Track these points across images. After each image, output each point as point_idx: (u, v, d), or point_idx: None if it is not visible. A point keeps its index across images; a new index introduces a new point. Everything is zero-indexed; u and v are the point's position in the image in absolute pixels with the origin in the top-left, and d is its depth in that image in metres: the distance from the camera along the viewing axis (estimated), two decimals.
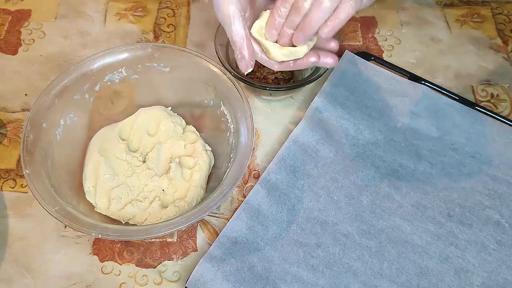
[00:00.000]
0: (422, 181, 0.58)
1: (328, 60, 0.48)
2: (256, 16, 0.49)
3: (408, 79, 0.66)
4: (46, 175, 0.51)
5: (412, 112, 0.63)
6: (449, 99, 0.64)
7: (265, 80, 0.64)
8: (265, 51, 0.49)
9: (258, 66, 0.64)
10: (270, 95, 0.63)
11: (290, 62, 0.48)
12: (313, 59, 0.48)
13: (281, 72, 0.62)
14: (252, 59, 0.47)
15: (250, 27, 0.48)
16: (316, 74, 0.60)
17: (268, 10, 0.48)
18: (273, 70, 0.63)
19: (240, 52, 0.46)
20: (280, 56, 0.48)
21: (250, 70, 0.47)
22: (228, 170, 0.52)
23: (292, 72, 0.62)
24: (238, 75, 0.58)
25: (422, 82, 0.66)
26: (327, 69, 0.60)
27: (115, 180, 0.55)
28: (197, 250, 0.54)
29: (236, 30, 0.45)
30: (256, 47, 0.48)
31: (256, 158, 0.60)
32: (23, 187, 0.58)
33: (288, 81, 0.65)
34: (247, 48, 0.45)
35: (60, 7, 0.74)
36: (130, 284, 0.52)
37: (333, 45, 0.48)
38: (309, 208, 0.56)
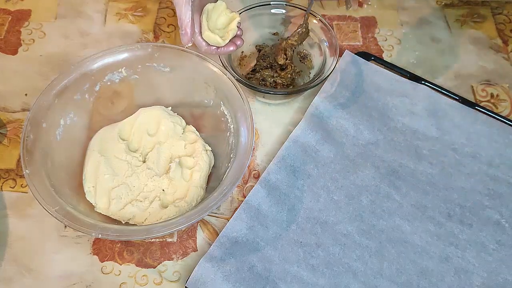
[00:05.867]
0: (422, 181, 0.58)
1: (236, 43, 0.59)
2: (202, 6, 0.58)
3: (408, 79, 0.66)
4: (46, 175, 0.51)
5: (412, 112, 0.63)
6: (449, 99, 0.64)
7: (264, 82, 0.64)
8: (202, 31, 0.58)
9: (260, 67, 0.65)
10: (263, 97, 0.63)
11: (214, 48, 0.58)
12: (231, 48, 0.57)
13: (280, 76, 0.63)
14: (192, 36, 0.56)
15: (199, 13, 0.58)
16: (315, 81, 0.60)
17: (212, 4, 0.57)
18: (272, 73, 0.64)
19: (185, 29, 0.55)
20: (207, 37, 0.56)
21: (189, 44, 0.56)
22: (228, 170, 0.52)
23: (292, 78, 0.63)
24: (238, 76, 0.59)
25: (422, 82, 0.66)
26: (327, 77, 0.61)
27: (115, 180, 0.55)
28: (197, 250, 0.54)
29: (185, 12, 0.55)
30: (197, 30, 0.58)
31: (256, 158, 0.60)
32: (23, 187, 0.58)
33: (287, 86, 0.64)
34: (191, 27, 0.55)
35: (60, 7, 0.74)
36: (130, 284, 0.52)
37: (239, 43, 0.58)
38: (309, 208, 0.56)
